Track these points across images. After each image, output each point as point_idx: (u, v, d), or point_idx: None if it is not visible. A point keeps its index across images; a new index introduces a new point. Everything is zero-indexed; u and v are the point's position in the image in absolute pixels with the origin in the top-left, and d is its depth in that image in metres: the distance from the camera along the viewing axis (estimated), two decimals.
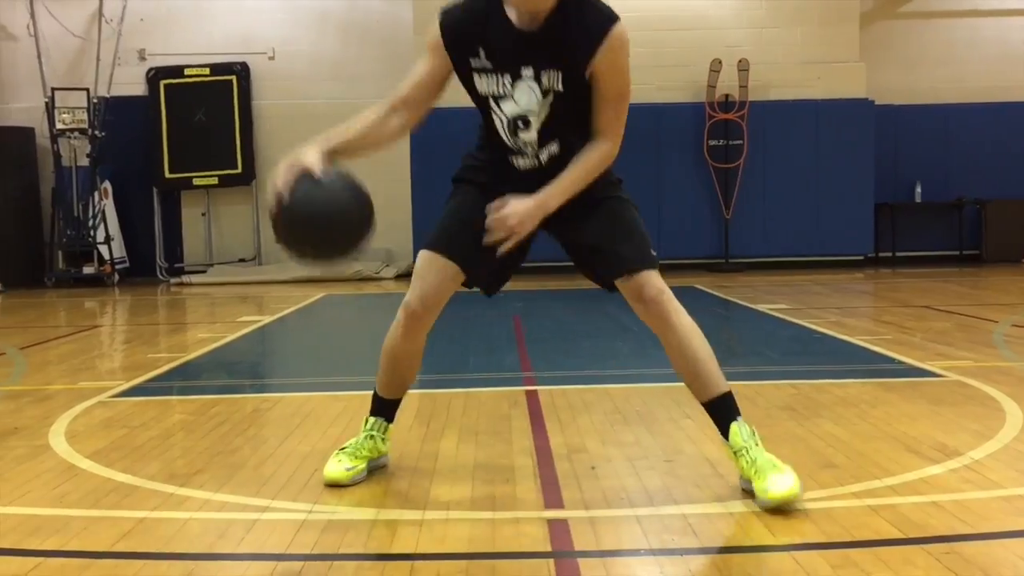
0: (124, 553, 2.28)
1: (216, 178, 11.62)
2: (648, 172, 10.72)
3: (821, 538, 2.28)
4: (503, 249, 2.52)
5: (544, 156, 2.60)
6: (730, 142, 11.03)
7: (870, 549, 2.20)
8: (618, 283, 2.64)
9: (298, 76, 11.74)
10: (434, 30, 2.55)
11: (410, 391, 4.38)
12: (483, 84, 2.54)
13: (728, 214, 11.09)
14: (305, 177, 2.37)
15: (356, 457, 2.80)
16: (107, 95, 11.16)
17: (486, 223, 2.49)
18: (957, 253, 11.59)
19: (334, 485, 2.74)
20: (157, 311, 8.93)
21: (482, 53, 2.50)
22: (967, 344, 5.21)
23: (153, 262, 11.71)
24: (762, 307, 7.28)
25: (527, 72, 2.49)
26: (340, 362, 5.45)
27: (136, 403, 4.13)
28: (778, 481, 2.43)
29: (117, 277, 10.98)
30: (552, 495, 2.68)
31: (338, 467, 2.76)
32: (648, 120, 10.70)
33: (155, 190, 11.66)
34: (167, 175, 11.58)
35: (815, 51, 11.25)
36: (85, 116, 11.00)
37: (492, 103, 2.56)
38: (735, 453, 2.55)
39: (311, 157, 2.40)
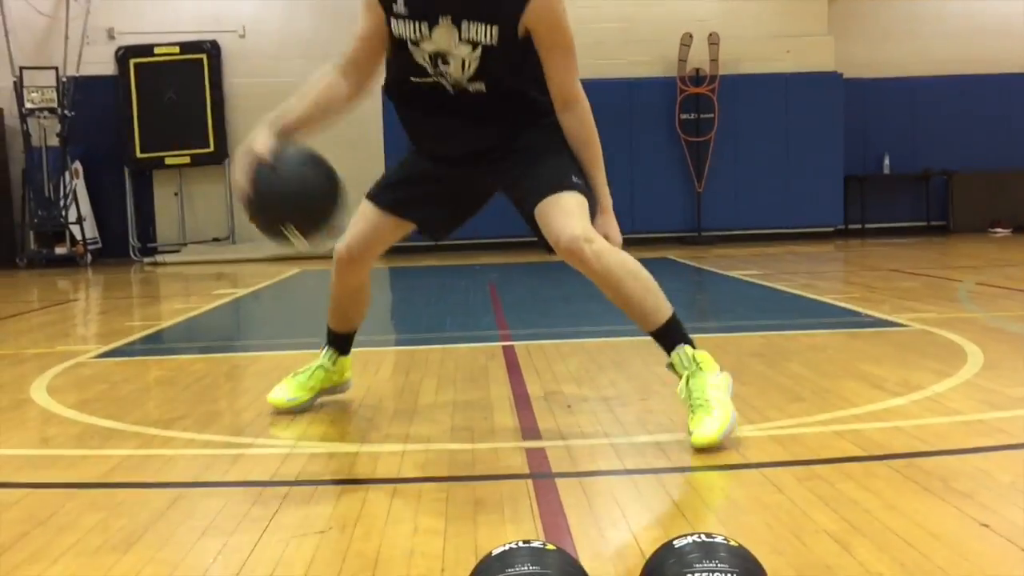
0: (110, 483, 2.33)
1: (188, 157, 11.57)
2: (620, 146, 10.79)
3: (788, 457, 2.37)
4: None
5: (471, 88, 2.55)
6: (701, 116, 11.13)
7: (834, 465, 2.29)
8: (541, 224, 2.53)
9: (269, 54, 11.69)
10: None
11: (387, 347, 4.46)
12: (399, 28, 2.50)
13: (700, 187, 11.19)
14: (261, 164, 2.37)
15: (302, 388, 2.95)
16: (76, 74, 11.06)
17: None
18: (925, 224, 11.78)
19: (277, 410, 2.94)
20: (131, 287, 8.91)
21: (400, 1, 2.48)
22: (932, 300, 5.34)
23: (126, 242, 11.65)
24: (734, 273, 7.39)
25: (444, 20, 2.46)
26: (317, 326, 5.48)
27: (115, 363, 4.16)
28: (703, 424, 2.38)
29: (90, 257, 10.92)
30: (530, 428, 2.75)
31: (282, 394, 2.95)
32: (620, 94, 10.78)
33: (126, 170, 11.59)
34: (138, 155, 11.51)
35: (784, 25, 11.37)
36: (54, 95, 10.91)
37: (410, 46, 2.51)
38: (680, 379, 2.51)
39: (260, 143, 2.38)
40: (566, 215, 2.49)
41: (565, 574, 1.30)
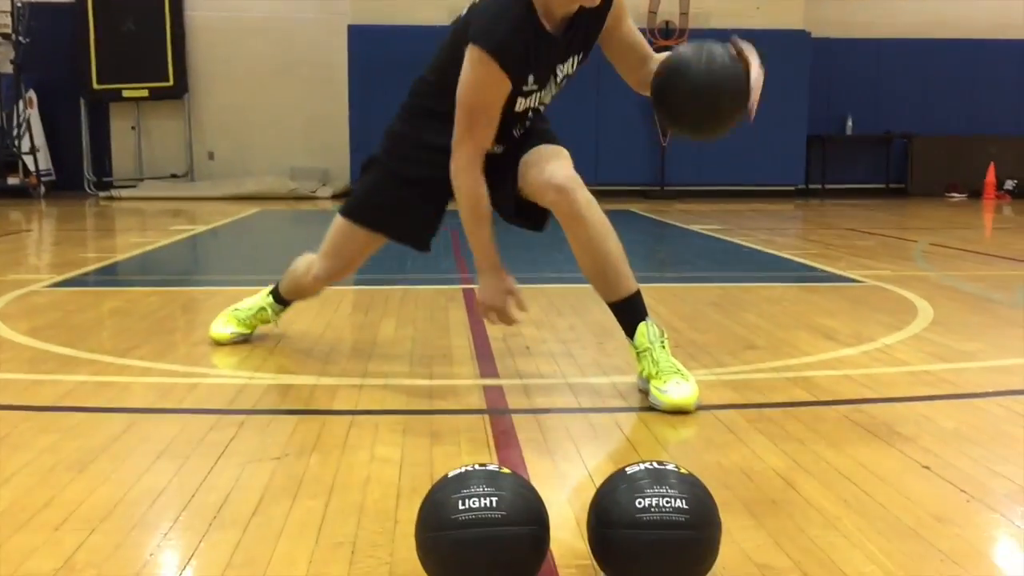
0: (65, 407, 2.31)
1: (147, 90, 11.33)
2: (586, 98, 10.75)
3: (740, 400, 2.42)
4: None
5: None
6: None
7: (784, 409, 2.34)
8: (523, 175, 2.44)
9: None
10: (495, 73, 2.22)
11: (347, 286, 4.44)
12: (523, 103, 2.36)
13: (664, 142, 11.20)
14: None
15: (242, 324, 2.99)
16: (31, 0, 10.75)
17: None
18: (884, 186, 11.92)
19: (215, 343, 2.96)
20: (86, 220, 8.75)
21: (531, 79, 2.31)
22: (887, 258, 5.42)
23: (80, 175, 11.43)
24: (695, 227, 7.44)
25: (559, 72, 2.39)
26: (276, 264, 5.43)
27: (69, 292, 4.11)
28: (676, 386, 2.29)
29: (43, 189, 10.70)
30: (488, 367, 2.77)
31: (224, 329, 2.98)
32: None
33: (83, 101, 11.33)
34: (95, 86, 11.24)
35: None
36: (8, 21, 10.59)
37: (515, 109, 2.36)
38: (639, 354, 2.40)
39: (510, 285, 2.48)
40: (562, 159, 2.44)
41: (519, 496, 1.32)
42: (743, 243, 6.21)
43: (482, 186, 2.36)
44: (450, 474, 1.36)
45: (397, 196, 2.57)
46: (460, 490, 1.31)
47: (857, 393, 2.49)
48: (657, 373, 2.34)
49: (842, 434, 2.12)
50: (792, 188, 11.57)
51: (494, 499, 1.29)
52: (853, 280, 4.51)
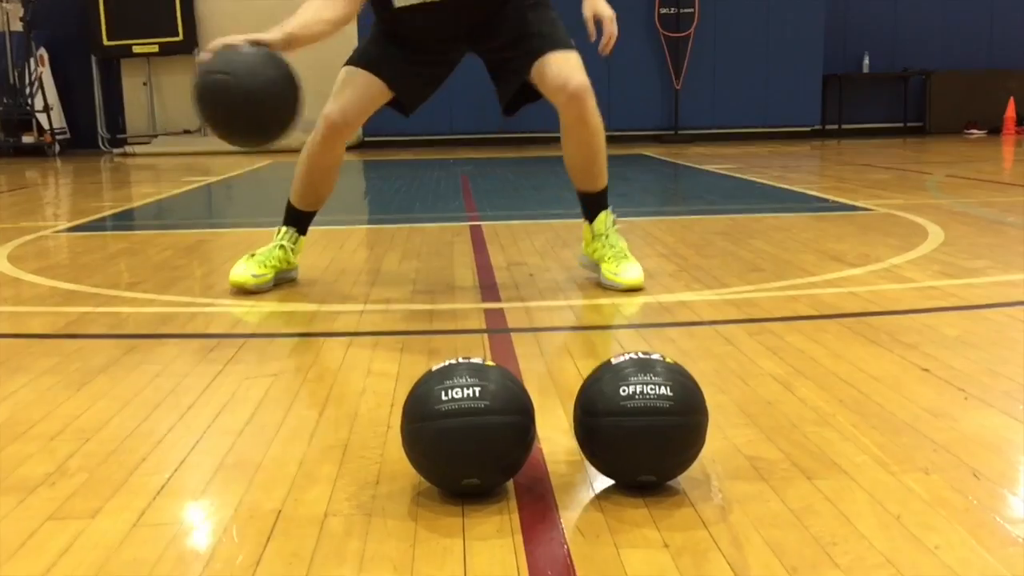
0: (67, 335, 2.33)
1: (156, 46, 11.26)
2: (597, 40, 10.60)
3: (741, 316, 2.40)
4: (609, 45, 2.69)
5: None
6: (681, 10, 10.93)
7: (786, 323, 2.32)
8: (539, 72, 2.57)
9: None
10: None
11: (354, 226, 4.45)
12: None
13: (678, 84, 11.06)
14: (230, 48, 2.24)
15: (264, 266, 2.75)
16: None
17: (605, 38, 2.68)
18: (901, 125, 11.72)
19: (239, 290, 2.71)
20: (100, 174, 8.78)
21: None
22: (901, 190, 5.35)
23: (94, 133, 11.43)
24: (708, 167, 7.37)
25: None
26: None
27: (78, 236, 4.13)
28: (628, 268, 2.68)
29: (58, 147, 10.72)
30: (490, 292, 2.76)
31: (245, 272, 2.73)
32: None
33: (93, 58, 11.30)
34: (105, 42, 11.19)
35: None
36: None
37: None
38: (594, 236, 2.77)
39: (240, 38, 2.28)
40: (576, 67, 2.60)
41: (504, 387, 1.32)
42: (755, 179, 6.14)
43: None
44: (434, 368, 1.36)
45: (393, 50, 2.67)
46: (444, 381, 1.31)
47: (861, 307, 2.46)
48: (611, 256, 2.72)
49: (843, 343, 2.10)
50: (808, 129, 11.40)
51: (477, 389, 1.29)
52: (864, 209, 4.45)
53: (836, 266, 3.01)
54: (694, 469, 1.38)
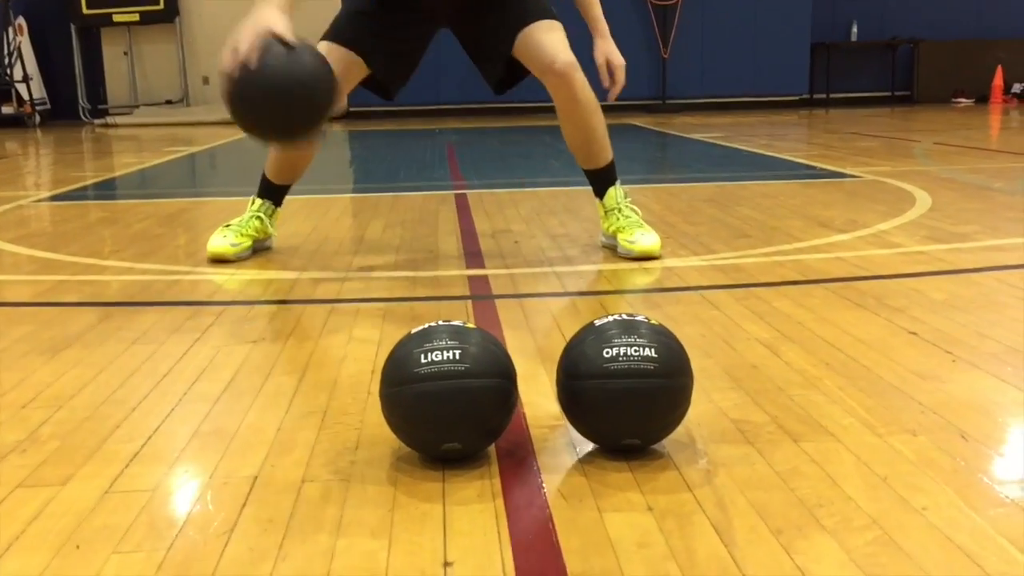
0: (40, 303, 2.29)
1: (137, 15, 11.10)
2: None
3: (728, 281, 2.38)
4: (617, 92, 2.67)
5: None
6: None
7: (773, 288, 2.29)
8: (523, 47, 2.52)
9: None
10: None
11: (338, 195, 4.40)
12: None
13: (666, 54, 10.99)
14: (274, 43, 2.04)
15: (242, 235, 2.73)
16: None
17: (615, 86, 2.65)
18: (889, 94, 11.70)
19: (218, 260, 2.67)
20: (81, 144, 8.67)
21: None
22: (889, 157, 5.33)
23: (75, 104, 11.30)
24: (695, 136, 7.33)
25: None
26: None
27: (57, 205, 4.07)
28: (643, 236, 2.62)
29: (38, 118, 10.59)
30: (474, 259, 2.73)
31: (223, 242, 2.70)
32: None
33: (73, 27, 11.13)
34: (84, 10, 11.02)
35: None
36: None
37: None
38: (607, 212, 2.71)
39: (280, 23, 2.06)
40: (559, 41, 2.54)
41: (484, 349, 1.28)
42: (743, 148, 6.11)
43: None
44: (413, 331, 1.33)
45: (370, 26, 2.60)
46: (423, 344, 1.27)
47: (847, 272, 2.44)
48: (625, 227, 2.66)
49: (829, 307, 2.08)
50: (796, 98, 11.36)
51: (457, 352, 1.26)
52: (852, 176, 4.43)
53: (823, 232, 2.98)
54: (679, 433, 1.35)
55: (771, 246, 2.80)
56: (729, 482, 1.22)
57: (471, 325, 1.34)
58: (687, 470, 1.26)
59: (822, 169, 4.75)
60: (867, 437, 1.36)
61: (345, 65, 2.54)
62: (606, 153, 2.71)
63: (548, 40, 2.53)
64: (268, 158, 2.79)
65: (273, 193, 2.82)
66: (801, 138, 7.56)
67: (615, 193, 2.72)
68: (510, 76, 2.66)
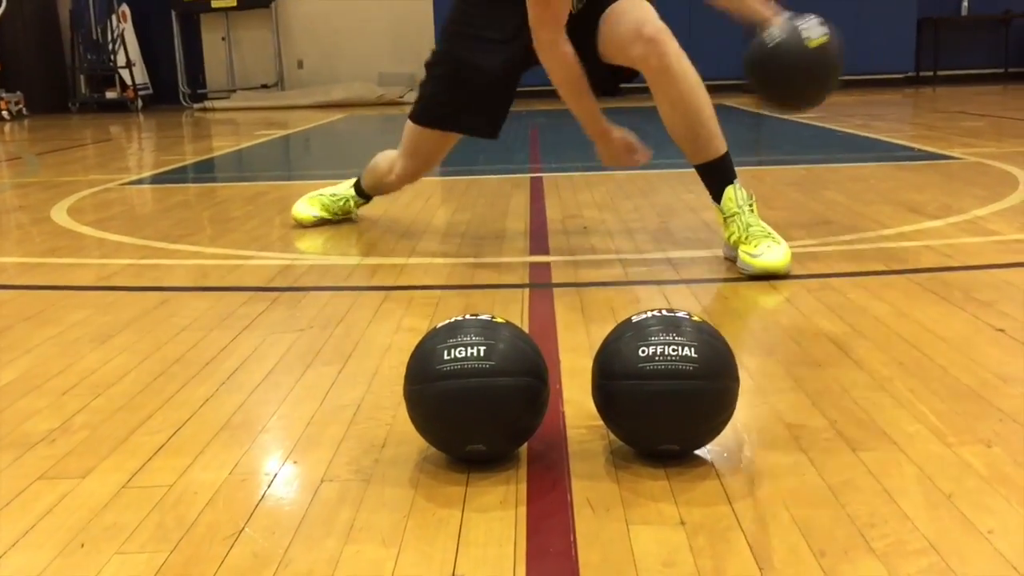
0: (103, 287, 2.30)
1: (235, 0, 11.32)
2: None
3: (803, 272, 2.24)
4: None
5: None
6: None
7: (851, 278, 2.15)
8: (607, 28, 2.32)
9: None
10: None
11: None
12: None
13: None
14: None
15: (326, 210, 2.98)
16: None
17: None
18: (1003, 71, 11.09)
19: (299, 225, 2.96)
20: (180, 129, 8.89)
21: None
22: (995, 137, 5.03)
23: (176, 89, 11.60)
24: (788, 116, 7.06)
25: None
26: (356, 160, 5.41)
27: (140, 188, 4.15)
28: (770, 249, 2.14)
29: (140, 103, 10.90)
30: (540, 246, 2.65)
31: (308, 211, 2.98)
32: None
33: (173, 13, 11.42)
34: None
35: None
36: None
37: None
38: (726, 218, 2.25)
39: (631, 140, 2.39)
40: (647, 10, 2.29)
41: (513, 346, 1.21)
42: (836, 128, 5.85)
43: (572, 57, 2.24)
44: (440, 325, 1.26)
45: (463, 91, 2.51)
46: (447, 340, 1.21)
47: (935, 262, 2.28)
48: (747, 237, 2.18)
49: (910, 301, 1.93)
50: (901, 76, 10.87)
51: (482, 348, 1.18)
52: (952, 157, 4.18)
53: (913, 218, 2.80)
54: (726, 437, 1.26)
55: (854, 233, 2.63)
56: (773, 495, 1.12)
57: (501, 319, 1.26)
58: (729, 480, 1.17)
59: (919, 150, 4.51)
60: (934, 447, 1.23)
61: (441, 144, 2.69)
62: (717, 142, 2.27)
63: (630, 11, 2.27)
64: (366, 173, 2.95)
65: (365, 194, 3.03)
66: (903, 118, 7.22)
67: (735, 194, 2.25)
68: (612, 79, 2.42)
